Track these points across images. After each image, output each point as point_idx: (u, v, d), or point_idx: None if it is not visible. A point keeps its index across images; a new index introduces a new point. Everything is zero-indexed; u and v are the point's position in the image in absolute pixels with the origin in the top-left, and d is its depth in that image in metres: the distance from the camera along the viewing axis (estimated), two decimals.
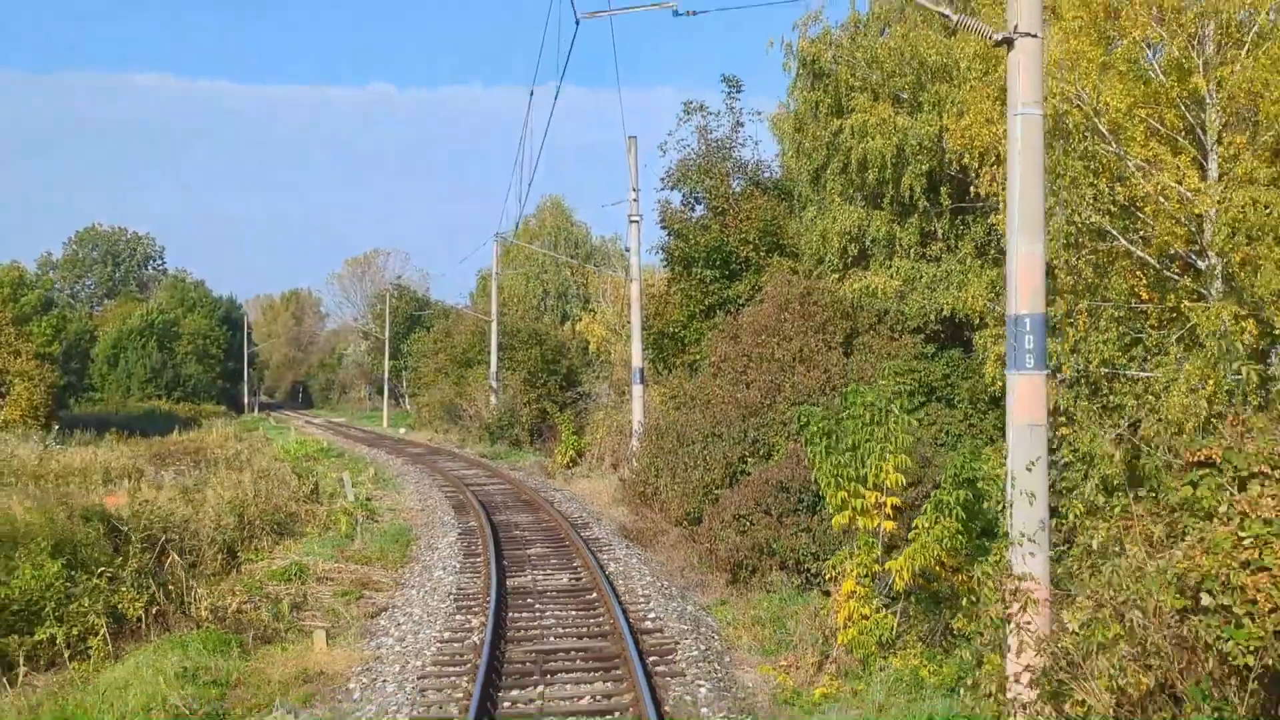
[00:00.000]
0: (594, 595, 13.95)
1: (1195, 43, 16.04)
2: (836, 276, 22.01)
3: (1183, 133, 16.31)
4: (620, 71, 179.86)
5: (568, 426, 32.65)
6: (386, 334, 69.98)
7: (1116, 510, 7.05)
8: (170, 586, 14.51)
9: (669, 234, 28.73)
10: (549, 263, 61.02)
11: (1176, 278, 16.20)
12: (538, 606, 13.44)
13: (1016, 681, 7.27)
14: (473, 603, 13.71)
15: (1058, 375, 15.19)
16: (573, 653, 11.27)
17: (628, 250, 29.44)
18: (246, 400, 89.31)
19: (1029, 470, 7.76)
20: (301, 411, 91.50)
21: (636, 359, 26.93)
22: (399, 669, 10.87)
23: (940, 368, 19.19)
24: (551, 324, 54.73)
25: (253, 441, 46.06)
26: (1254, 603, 5.17)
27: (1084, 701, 6.02)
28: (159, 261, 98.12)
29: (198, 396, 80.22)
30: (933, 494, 10.45)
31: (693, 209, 28.97)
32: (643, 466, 21.51)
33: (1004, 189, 16.13)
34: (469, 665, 10.64)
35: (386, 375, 70.15)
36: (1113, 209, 16.20)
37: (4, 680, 11.40)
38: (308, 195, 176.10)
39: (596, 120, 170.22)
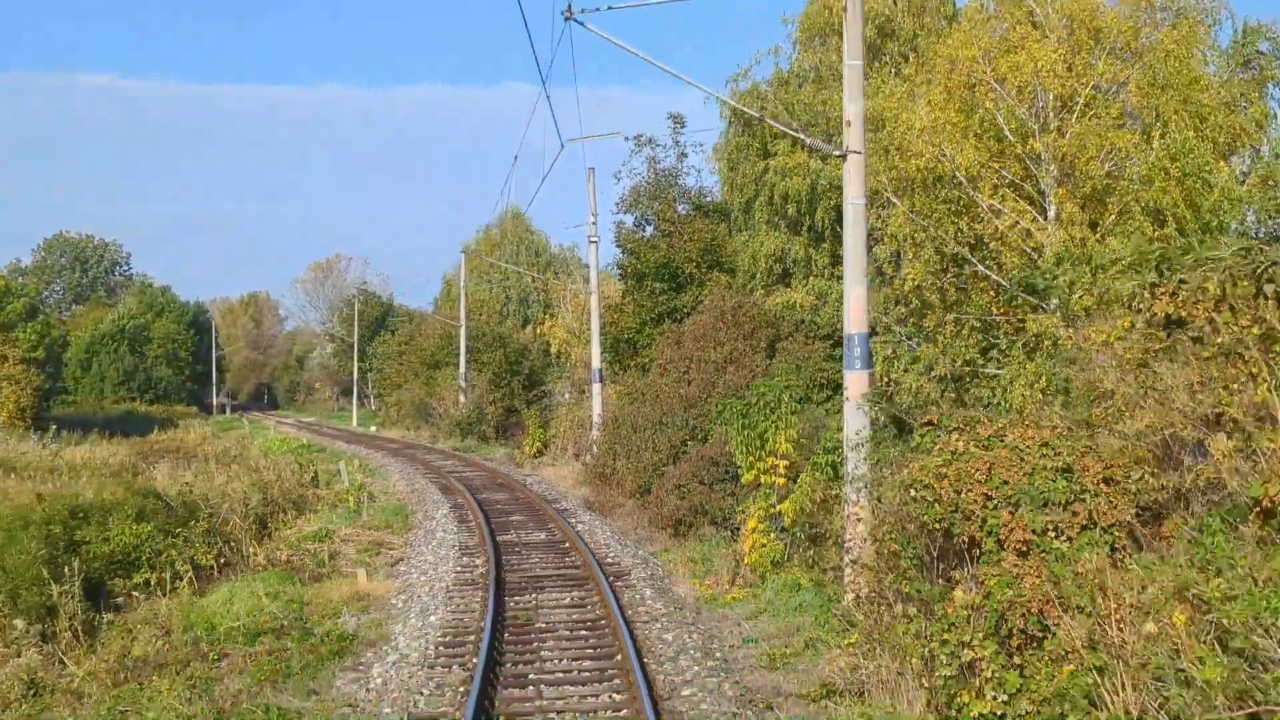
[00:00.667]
0: (567, 545, 18.11)
1: (1035, 112, 20.54)
2: (763, 291, 26.32)
3: (1026, 181, 20.81)
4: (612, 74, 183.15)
5: (535, 421, 36.73)
6: (356, 337, 73.39)
7: (893, 453, 11.29)
8: (231, 543, 18.46)
9: (623, 251, 32.91)
10: (511, 270, 64.87)
11: (1022, 296, 20.69)
12: (524, 552, 17.56)
13: (849, 567, 11.50)
14: (473, 551, 17.79)
15: (931, 372, 19.53)
16: (554, 577, 15.39)
17: (588, 266, 33.60)
18: (215, 402, 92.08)
19: (856, 434, 12.02)
20: (269, 412, 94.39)
21: (596, 361, 31.07)
22: (429, 590, 14.92)
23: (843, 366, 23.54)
24: (514, 328, 58.66)
25: (235, 440, 49.54)
26: (940, 497, 9.37)
27: (870, 566, 10.23)
28: (125, 267, 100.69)
29: (168, 398, 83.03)
30: (812, 457, 14.70)
31: (644, 229, 33.16)
32: (602, 451, 25.65)
33: (880, 227, 20.73)
34: (481, 584, 14.73)
35: (356, 376, 73.51)
36: (971, 242, 20.68)
37: (128, 600, 15.29)
38: (268, 198, 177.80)
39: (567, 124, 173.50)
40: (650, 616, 12.87)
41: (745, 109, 23.61)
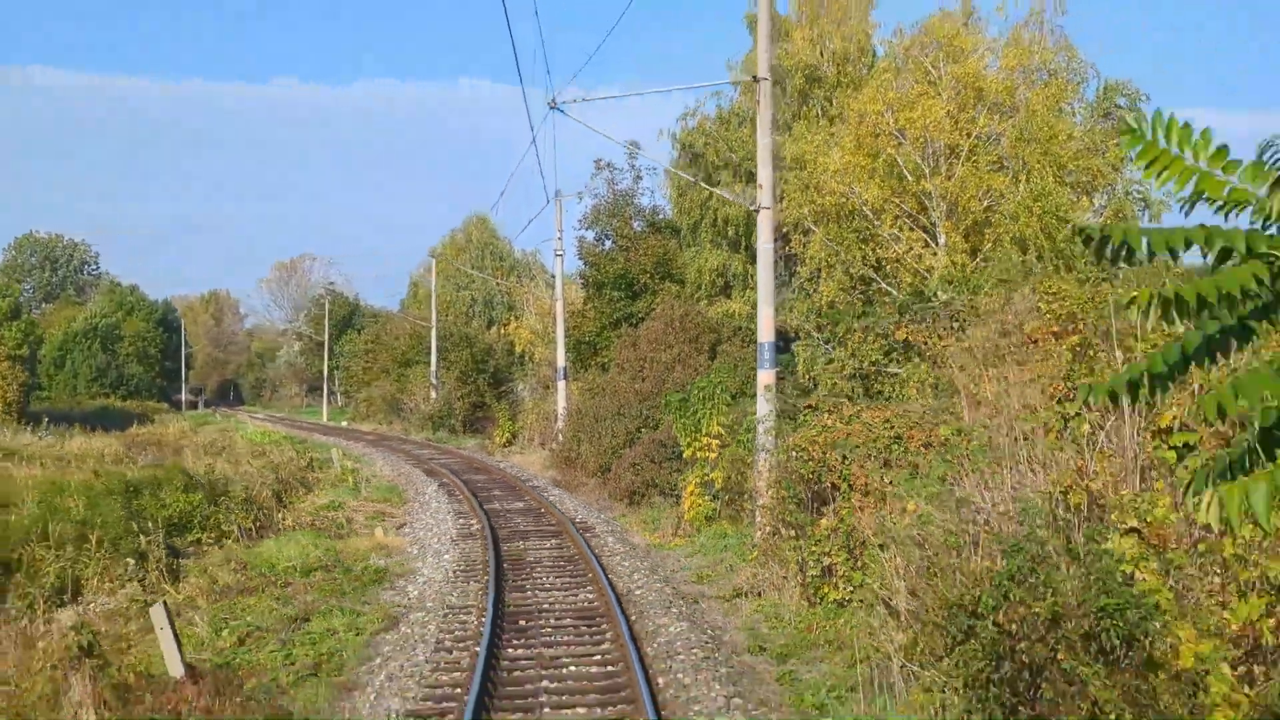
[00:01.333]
0: (543, 510, 22.21)
1: (928, 158, 24.99)
2: (707, 301, 30.58)
3: (920, 214, 25.26)
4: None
5: (504, 414, 40.76)
6: (326, 335, 76.66)
7: (786, 428, 15.56)
8: (263, 511, 22.33)
9: (585, 263, 37.02)
10: (476, 275, 68.63)
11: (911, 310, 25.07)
12: (508, 516, 21.62)
13: (758, 511, 15.72)
14: (466, 515, 21.82)
15: (844, 369, 23.83)
16: (536, 532, 19.49)
17: (552, 274, 37.66)
18: (184, 398, 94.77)
19: (763, 416, 16.25)
20: (237, 408, 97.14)
21: (561, 360, 35.15)
22: (436, 541, 18.95)
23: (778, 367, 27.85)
24: (480, 329, 62.53)
25: (217, 433, 52.88)
26: (813, 457, 13.57)
27: (769, 507, 14.44)
28: (94, 267, 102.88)
29: (140, 395, 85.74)
30: (737, 436, 18.93)
31: (603, 244, 37.30)
32: (568, 438, 29.76)
33: (801, 250, 25.09)
34: (479, 536, 18.78)
35: (326, 374, 76.82)
36: (875, 264, 25.10)
37: (196, 549, 19.15)
38: (231, 198, 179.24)
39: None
40: (612, 554, 17.04)
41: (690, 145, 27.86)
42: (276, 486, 26.69)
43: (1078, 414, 8.80)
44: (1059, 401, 10.02)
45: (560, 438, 32.04)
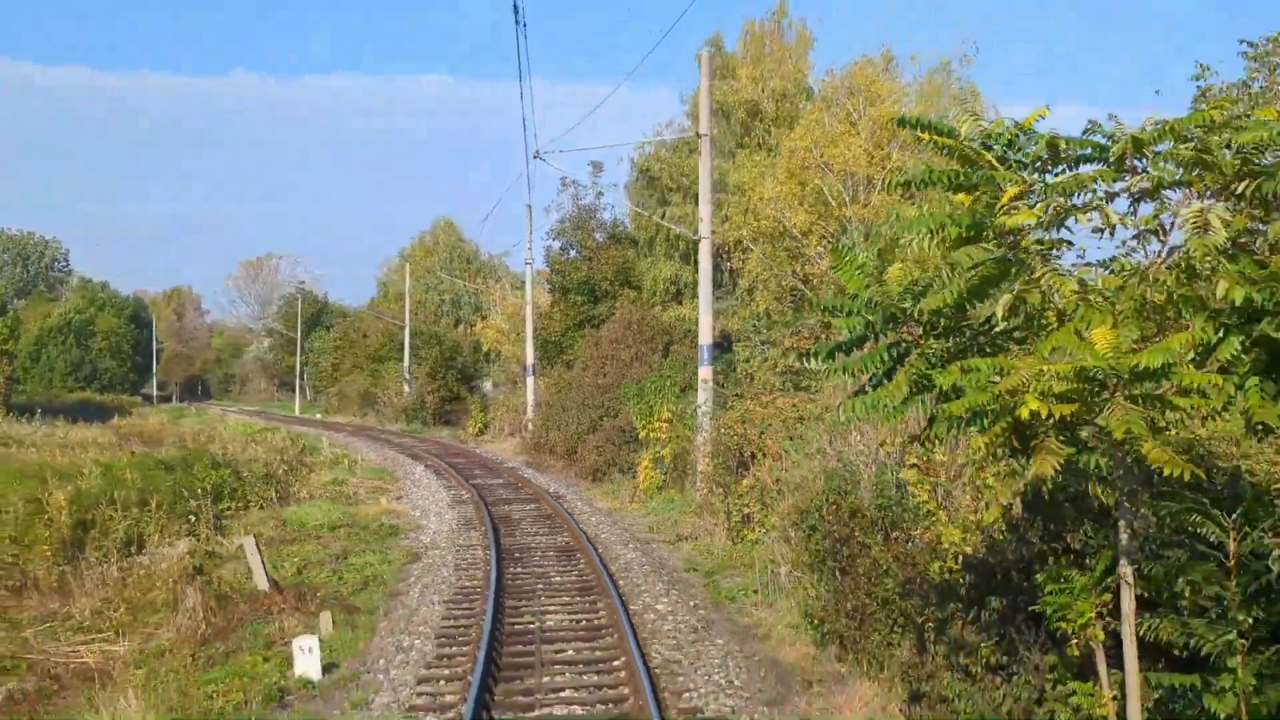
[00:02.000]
0: (520, 485, 26.33)
1: (849, 187, 29.39)
2: (661, 307, 34.80)
3: (842, 234, 29.65)
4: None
5: (477, 406, 44.75)
6: (299, 332, 79.93)
7: (718, 413, 19.86)
8: (280, 485, 26.23)
9: (552, 270, 41.12)
10: (444, 276, 72.36)
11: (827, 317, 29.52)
12: (491, 489, 25.69)
13: (698, 478, 19.95)
14: (455, 488, 25.86)
15: (777, 366, 28.13)
16: (517, 500, 23.58)
17: (522, 280, 41.69)
18: (155, 393, 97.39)
19: (703, 404, 20.49)
20: (208, 403, 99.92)
21: (530, 358, 39.22)
22: (435, 507, 22.98)
23: (720, 364, 32.14)
24: (448, 327, 66.28)
25: (200, 424, 56.10)
26: (738, 432, 17.76)
27: (705, 473, 18.63)
28: (64, 264, 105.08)
29: (114, 389, 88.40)
30: (684, 420, 23.15)
31: (569, 253, 41.42)
32: (538, 427, 33.86)
33: (741, 265, 29.36)
34: (471, 501, 22.85)
35: (299, 369, 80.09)
36: (803, 279, 29.47)
37: (233, 510, 23.04)
38: (201, 196, 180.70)
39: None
40: (581, 514, 21.22)
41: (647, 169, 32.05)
42: (285, 466, 30.56)
43: None
44: None
45: (530, 426, 36.10)
